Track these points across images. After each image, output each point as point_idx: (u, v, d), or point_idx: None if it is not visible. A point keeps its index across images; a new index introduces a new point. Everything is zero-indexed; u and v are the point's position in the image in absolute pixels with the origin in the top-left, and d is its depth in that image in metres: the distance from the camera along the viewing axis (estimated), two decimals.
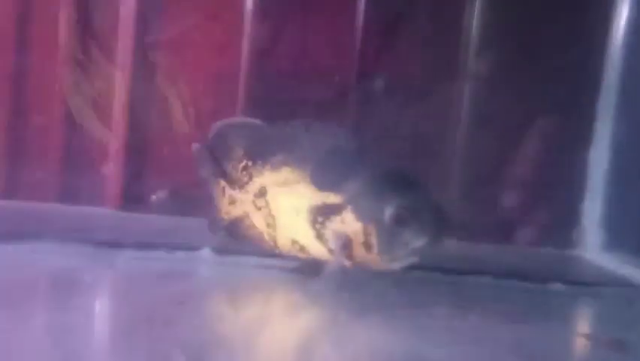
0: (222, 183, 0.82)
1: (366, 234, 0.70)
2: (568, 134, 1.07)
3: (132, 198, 1.04)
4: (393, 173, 0.73)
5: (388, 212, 0.69)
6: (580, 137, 1.07)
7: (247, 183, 0.79)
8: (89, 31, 1.03)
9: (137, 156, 1.04)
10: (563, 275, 0.91)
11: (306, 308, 0.72)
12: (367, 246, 0.70)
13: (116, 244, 0.81)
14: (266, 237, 0.78)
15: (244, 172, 0.79)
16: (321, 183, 0.73)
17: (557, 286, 0.85)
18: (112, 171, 1.03)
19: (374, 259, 0.71)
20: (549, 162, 1.07)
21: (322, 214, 0.73)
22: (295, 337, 0.65)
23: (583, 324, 0.79)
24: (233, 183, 0.81)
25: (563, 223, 1.08)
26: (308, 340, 0.64)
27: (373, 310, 0.71)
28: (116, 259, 0.78)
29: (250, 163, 0.79)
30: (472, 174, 1.06)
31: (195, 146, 0.84)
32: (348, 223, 0.71)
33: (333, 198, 0.72)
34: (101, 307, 0.66)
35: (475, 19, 1.06)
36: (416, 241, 0.69)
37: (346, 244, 0.71)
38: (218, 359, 0.56)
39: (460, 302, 0.76)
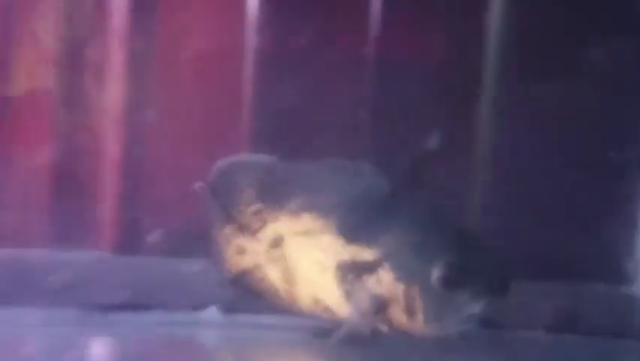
0: (228, 229, 0.70)
1: (408, 298, 0.59)
2: (619, 155, 0.95)
3: (128, 240, 0.93)
4: (439, 222, 0.62)
5: (436, 273, 0.58)
6: (630, 160, 0.95)
7: (260, 229, 0.68)
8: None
9: (132, 191, 0.93)
10: (629, 325, 0.80)
11: None
12: (410, 312, 0.59)
13: (107, 307, 0.70)
14: (282, 293, 0.67)
15: (255, 217, 0.68)
16: (352, 234, 0.62)
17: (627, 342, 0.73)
18: (106, 210, 0.92)
19: (418, 326, 0.59)
20: (596, 188, 0.95)
21: (353, 272, 0.61)
22: None
23: None
24: (242, 229, 0.69)
25: (615, 257, 0.96)
26: None
27: None
28: (106, 326, 0.67)
29: (263, 207, 0.68)
30: (512, 206, 0.95)
31: (198, 185, 0.72)
32: (386, 284, 0.60)
33: (366, 254, 0.61)
34: None
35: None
36: (471, 307, 0.57)
37: (382, 307, 0.60)
38: None
39: None
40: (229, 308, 0.71)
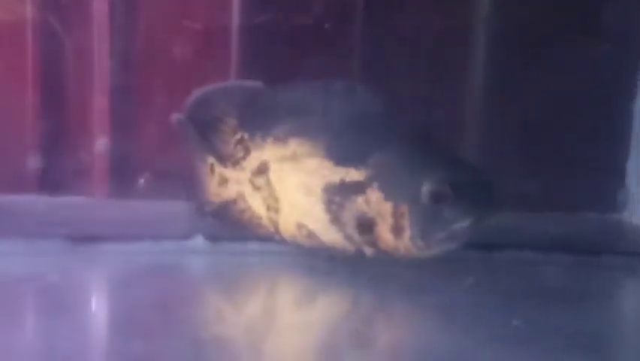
0: (210, 160, 0.70)
1: (396, 215, 0.58)
2: (609, 85, 0.94)
3: (119, 184, 0.93)
4: (426, 142, 0.62)
5: (426, 187, 0.57)
6: (623, 87, 0.94)
7: (243, 158, 0.67)
8: None
9: (121, 135, 0.93)
10: (612, 245, 0.80)
11: (317, 301, 0.62)
12: (397, 230, 0.59)
13: (95, 238, 0.69)
14: (265, 222, 0.67)
15: (238, 146, 0.67)
16: (340, 156, 0.61)
17: (608, 259, 0.74)
18: (96, 155, 0.92)
19: (405, 245, 0.59)
20: (588, 117, 0.94)
21: (341, 194, 0.61)
22: (306, 335, 0.54)
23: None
24: (224, 159, 0.69)
25: (606, 185, 0.96)
26: (320, 338, 0.54)
27: (392, 300, 0.61)
28: (94, 255, 0.68)
29: (246, 135, 0.67)
30: (504, 135, 0.94)
31: (175, 116, 0.71)
32: (374, 204, 0.59)
33: (354, 175, 0.61)
34: (70, 316, 0.55)
35: None
36: (458, 223, 0.57)
37: (370, 228, 0.60)
38: None
39: (496, 284, 0.65)
40: (215, 237, 0.70)
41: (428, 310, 0.59)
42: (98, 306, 0.58)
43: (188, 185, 0.73)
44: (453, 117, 0.94)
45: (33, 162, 0.91)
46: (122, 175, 0.91)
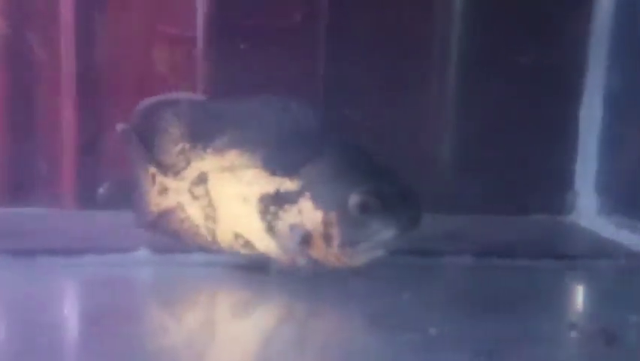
0: (152, 169, 0.71)
1: (326, 224, 0.60)
2: (557, 90, 0.96)
3: (84, 195, 0.94)
4: (358, 154, 0.63)
5: (353, 199, 0.60)
6: (569, 91, 0.96)
7: (184, 168, 0.69)
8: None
9: (87, 144, 0.93)
10: (553, 248, 0.82)
11: (256, 309, 0.63)
12: (327, 238, 0.61)
13: (37, 251, 0.70)
14: (202, 231, 0.68)
15: (180, 156, 0.69)
16: (276, 167, 0.63)
17: (547, 263, 0.76)
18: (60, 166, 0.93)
19: (334, 253, 0.61)
20: (536, 120, 0.96)
21: (275, 203, 0.63)
22: (246, 343, 0.55)
23: (571, 311, 0.68)
24: (165, 169, 0.70)
25: (555, 188, 0.98)
26: (258, 345, 0.55)
27: (330, 307, 0.62)
28: (35, 268, 0.68)
29: (188, 146, 0.69)
30: (450, 136, 0.96)
31: (120, 126, 0.73)
32: (306, 213, 0.61)
33: (288, 185, 0.63)
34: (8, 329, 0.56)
35: None
36: (384, 233, 0.59)
37: (306, 239, 0.61)
38: None
39: (432, 291, 0.66)
40: (158, 249, 0.72)
41: (356, 317, 0.61)
42: (33, 319, 0.58)
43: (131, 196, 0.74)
44: (408, 121, 0.95)
45: None
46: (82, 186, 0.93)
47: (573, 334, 0.56)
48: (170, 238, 0.71)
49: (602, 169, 0.95)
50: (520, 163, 0.95)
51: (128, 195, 0.86)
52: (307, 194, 0.62)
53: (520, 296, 0.66)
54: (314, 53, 0.93)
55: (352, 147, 0.65)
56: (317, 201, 0.61)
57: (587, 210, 0.95)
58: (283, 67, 0.90)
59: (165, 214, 0.71)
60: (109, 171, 0.93)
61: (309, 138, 0.64)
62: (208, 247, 0.69)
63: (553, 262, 0.77)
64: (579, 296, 0.73)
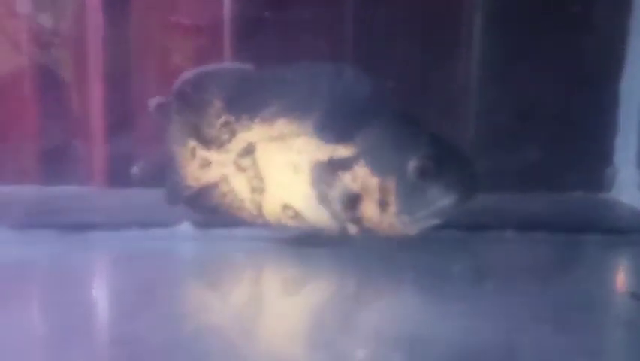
0: (192, 143, 0.70)
1: (382, 190, 0.60)
2: (597, 63, 0.95)
3: (117, 173, 0.94)
4: (411, 121, 0.63)
5: (412, 164, 0.59)
6: (610, 66, 0.95)
7: (228, 141, 0.68)
8: None
9: (117, 124, 0.94)
10: (596, 223, 0.81)
11: (303, 286, 0.62)
12: (383, 205, 0.60)
13: (84, 226, 0.71)
14: (247, 204, 0.67)
15: (224, 129, 0.68)
16: (328, 134, 0.62)
17: (590, 237, 0.75)
18: (93, 145, 0.93)
19: (390, 220, 0.60)
20: (576, 95, 0.95)
21: (328, 171, 0.62)
22: (291, 321, 0.55)
23: (619, 280, 0.68)
24: (208, 142, 0.69)
25: (594, 164, 0.96)
26: (305, 324, 0.55)
27: (379, 281, 0.62)
28: (82, 243, 0.69)
29: (233, 118, 0.67)
30: (491, 113, 0.95)
31: (155, 100, 0.71)
32: (361, 179, 0.61)
33: (342, 152, 0.62)
34: (57, 301, 0.56)
35: None
36: (443, 199, 0.59)
37: (355, 203, 0.61)
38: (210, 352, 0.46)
39: (479, 264, 0.66)
40: (202, 223, 0.71)
41: (407, 292, 0.60)
42: (83, 290, 0.59)
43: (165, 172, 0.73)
44: (445, 98, 0.94)
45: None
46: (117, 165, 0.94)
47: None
48: (209, 213, 0.70)
49: None
50: (560, 139, 0.94)
51: (162, 173, 0.88)
52: (362, 160, 0.61)
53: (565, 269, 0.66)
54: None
55: (404, 114, 0.65)
56: (373, 168, 0.60)
57: (627, 186, 0.94)
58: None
59: (206, 189, 0.69)
60: (142, 149, 0.93)
61: (361, 104, 0.63)
62: (253, 221, 0.68)
63: (594, 236, 0.75)
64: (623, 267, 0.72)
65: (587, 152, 0.96)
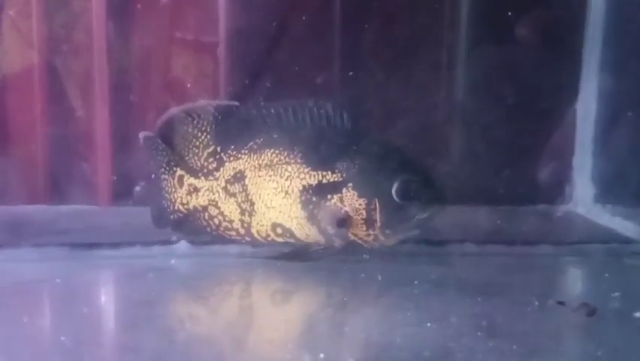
0: (179, 171, 0.77)
1: (368, 211, 0.70)
2: (556, 84, 1.03)
3: (121, 192, 1.01)
4: (390, 148, 0.73)
5: (395, 187, 0.70)
6: (566, 88, 1.04)
7: (216, 170, 0.75)
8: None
9: (122, 146, 1.00)
10: (550, 235, 0.90)
11: (291, 296, 0.71)
12: (369, 222, 0.71)
13: (90, 245, 0.79)
14: (236, 225, 0.75)
15: (211, 159, 0.76)
16: (316, 162, 0.72)
17: (543, 248, 0.84)
18: (99, 165, 1.00)
19: (374, 236, 0.71)
20: (537, 116, 1.04)
21: (318, 194, 0.72)
22: (278, 328, 0.63)
23: (561, 290, 0.77)
24: (195, 171, 0.76)
25: (555, 178, 1.05)
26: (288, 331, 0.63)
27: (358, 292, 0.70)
28: (89, 260, 0.77)
29: (219, 148, 0.75)
30: (456, 133, 1.04)
31: (143, 135, 0.78)
32: (348, 201, 0.71)
33: (330, 177, 0.72)
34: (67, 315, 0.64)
35: None
36: (420, 214, 0.70)
37: (344, 223, 0.71)
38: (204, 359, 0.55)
39: (438, 276, 0.74)
40: (198, 241, 0.79)
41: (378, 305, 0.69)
42: (90, 304, 0.67)
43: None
44: (409, 116, 1.03)
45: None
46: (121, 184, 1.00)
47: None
48: (197, 235, 0.78)
49: (598, 160, 1.02)
50: (520, 156, 1.03)
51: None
52: (350, 184, 0.71)
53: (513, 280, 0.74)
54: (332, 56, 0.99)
55: (382, 141, 0.75)
56: (360, 190, 0.71)
57: (584, 199, 1.03)
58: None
59: (193, 213, 0.77)
60: (144, 168, 1.01)
61: (345, 133, 0.73)
62: (240, 240, 0.76)
63: (547, 247, 0.84)
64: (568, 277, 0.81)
65: (549, 168, 1.05)
